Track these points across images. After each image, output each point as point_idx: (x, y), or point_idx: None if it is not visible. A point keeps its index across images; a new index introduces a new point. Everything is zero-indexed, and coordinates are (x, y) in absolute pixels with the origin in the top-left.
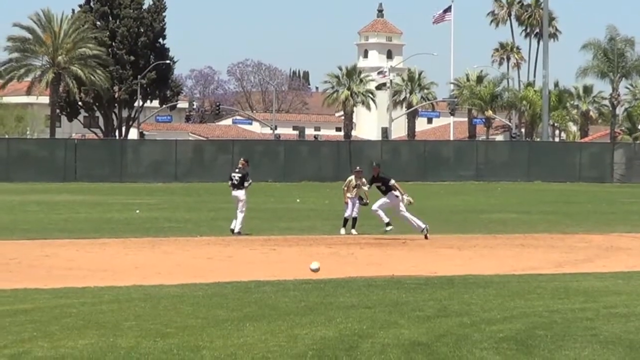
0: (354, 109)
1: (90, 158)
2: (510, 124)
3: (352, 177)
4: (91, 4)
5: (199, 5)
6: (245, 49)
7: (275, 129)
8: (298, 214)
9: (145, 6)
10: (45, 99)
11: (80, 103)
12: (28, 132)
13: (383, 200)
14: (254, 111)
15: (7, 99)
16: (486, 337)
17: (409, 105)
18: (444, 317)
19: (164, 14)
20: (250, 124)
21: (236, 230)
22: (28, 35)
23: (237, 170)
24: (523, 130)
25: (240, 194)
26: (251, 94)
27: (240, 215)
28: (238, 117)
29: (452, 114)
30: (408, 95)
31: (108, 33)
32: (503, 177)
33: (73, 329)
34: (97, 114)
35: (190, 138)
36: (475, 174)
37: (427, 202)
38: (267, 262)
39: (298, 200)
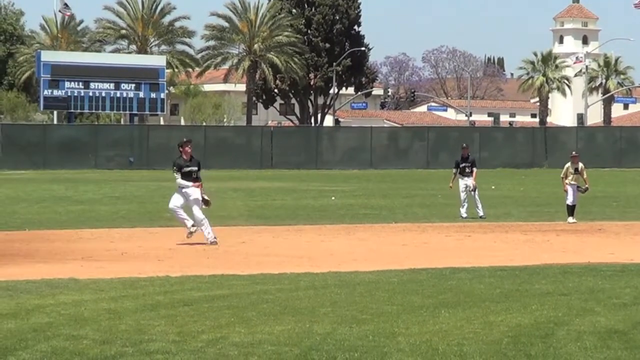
0: (549, 95)
1: (286, 145)
2: None
3: (569, 163)
4: None
5: None
6: (440, 35)
7: (470, 115)
8: (493, 200)
9: None
10: (242, 87)
11: (276, 90)
12: (225, 120)
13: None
14: (449, 98)
15: (204, 87)
16: None
17: (605, 91)
18: None
19: (359, 0)
20: (445, 110)
21: (483, 214)
22: (225, 24)
23: (464, 158)
24: None
25: (471, 180)
26: (446, 80)
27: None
28: (433, 104)
29: None
30: (604, 81)
31: (303, 21)
32: None
33: (270, 315)
34: (293, 101)
35: (385, 125)
36: None
37: (624, 188)
38: (463, 248)
39: (493, 187)
